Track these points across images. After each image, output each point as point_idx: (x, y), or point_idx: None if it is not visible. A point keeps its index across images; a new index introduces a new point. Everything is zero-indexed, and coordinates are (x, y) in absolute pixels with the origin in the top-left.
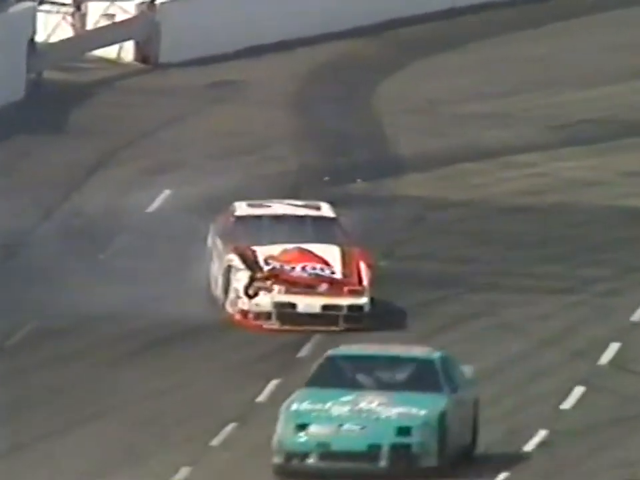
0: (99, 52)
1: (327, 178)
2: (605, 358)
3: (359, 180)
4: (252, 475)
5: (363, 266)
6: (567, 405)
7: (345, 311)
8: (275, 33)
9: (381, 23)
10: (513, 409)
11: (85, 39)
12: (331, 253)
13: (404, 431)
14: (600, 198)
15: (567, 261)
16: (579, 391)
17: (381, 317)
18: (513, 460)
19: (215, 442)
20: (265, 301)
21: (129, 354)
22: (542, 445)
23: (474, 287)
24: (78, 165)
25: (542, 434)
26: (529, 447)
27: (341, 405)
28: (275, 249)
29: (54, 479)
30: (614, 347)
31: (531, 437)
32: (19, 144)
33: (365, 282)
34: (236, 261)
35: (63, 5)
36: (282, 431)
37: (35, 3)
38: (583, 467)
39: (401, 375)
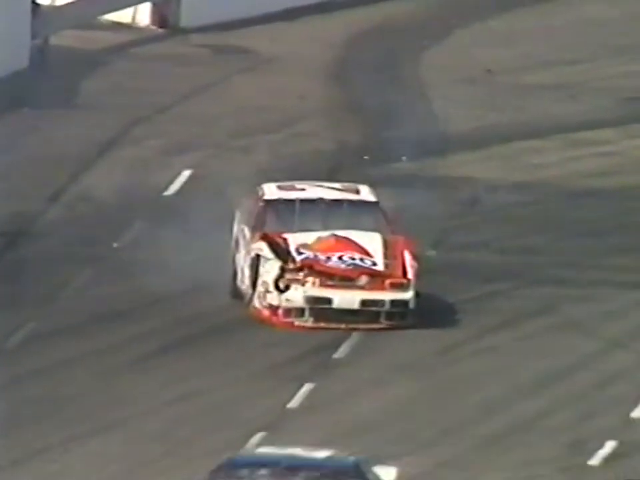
0: (112, 15)
1: (366, 157)
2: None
3: (404, 158)
4: None
5: (407, 256)
6: (638, 413)
7: (387, 307)
8: None
9: None
10: (578, 418)
11: (96, 1)
12: (372, 241)
13: None
14: None
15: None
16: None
17: (427, 314)
18: (576, 477)
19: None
20: (297, 295)
21: (143, 357)
22: (610, 458)
23: (534, 280)
24: (88, 142)
25: (610, 445)
26: (595, 460)
27: None
28: (309, 237)
29: None
30: None
31: (597, 449)
32: (22, 118)
33: (410, 274)
34: (265, 249)
35: None
36: None
37: None
38: None
39: None
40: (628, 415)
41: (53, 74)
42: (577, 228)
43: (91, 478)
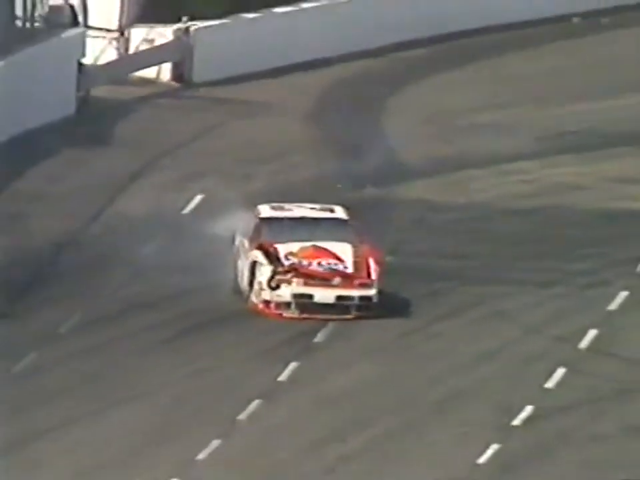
0: (140, 72)
1: (339, 185)
2: (584, 343)
3: (368, 185)
4: (276, 446)
5: (371, 262)
6: (550, 384)
7: (356, 301)
8: (294, 55)
9: (389, 45)
10: (504, 388)
11: (128, 61)
12: (343, 250)
13: None
14: (584, 201)
15: (555, 256)
16: (561, 372)
17: (387, 307)
18: (502, 434)
19: (242, 417)
20: (285, 292)
21: (165, 340)
22: (529, 419)
23: (470, 280)
24: (122, 172)
25: (529, 409)
26: (517, 421)
27: None
28: (294, 246)
29: (94, 457)
30: (592, 333)
31: (519, 413)
32: (69, 154)
33: (374, 276)
34: (260, 257)
35: (109, 30)
36: None
37: (85, 29)
38: (567, 438)
39: None
40: (543, 385)
41: (94, 119)
42: (504, 239)
43: (118, 442)
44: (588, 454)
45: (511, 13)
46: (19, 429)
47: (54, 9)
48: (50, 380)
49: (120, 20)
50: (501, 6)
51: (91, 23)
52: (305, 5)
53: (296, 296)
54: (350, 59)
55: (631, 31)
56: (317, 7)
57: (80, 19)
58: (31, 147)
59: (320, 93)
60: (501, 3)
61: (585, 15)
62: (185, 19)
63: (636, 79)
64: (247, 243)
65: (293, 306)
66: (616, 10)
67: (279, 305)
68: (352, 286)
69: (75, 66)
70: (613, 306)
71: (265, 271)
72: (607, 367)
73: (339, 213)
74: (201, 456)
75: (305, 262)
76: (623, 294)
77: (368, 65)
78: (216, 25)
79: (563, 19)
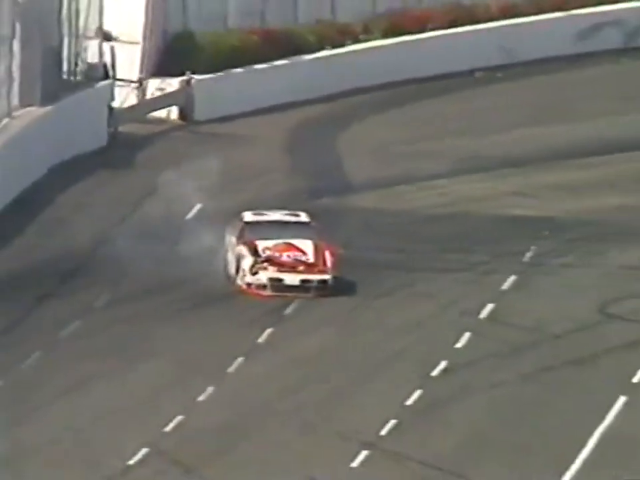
0: (155, 113)
1: (305, 195)
2: (484, 314)
3: (324, 199)
4: (256, 391)
5: (327, 254)
6: (459, 344)
7: (315, 284)
8: (271, 100)
9: (341, 92)
10: (425, 348)
11: (146, 105)
12: (306, 245)
13: None
14: (485, 209)
15: (463, 251)
16: (467, 335)
17: (339, 288)
18: (424, 381)
19: (231, 370)
20: (262, 277)
21: (172, 313)
22: (444, 371)
23: (404, 268)
24: (142, 187)
25: (443, 364)
26: (435, 372)
27: None
28: (269, 243)
29: (122, 398)
30: (490, 307)
31: (436, 365)
32: (102, 174)
33: (329, 265)
34: (244, 251)
35: (131, 82)
36: None
37: (113, 81)
38: (474, 385)
39: None
40: (453, 346)
41: (121, 149)
42: (427, 238)
43: (139, 387)
44: (489, 396)
45: (429, 68)
46: (68, 377)
47: (91, 65)
48: (88, 341)
49: (139, 74)
50: (420, 63)
51: (118, 76)
52: (277, 63)
53: (270, 280)
54: (313, 103)
55: (520, 83)
56: (287, 64)
57: (110, 73)
58: (74, 169)
59: (291, 129)
60: (420, 60)
61: (485, 70)
62: (188, 73)
63: (524, 118)
64: (234, 240)
65: (268, 287)
66: (507, 67)
67: (258, 286)
68: (313, 272)
69: (106, 109)
70: (505, 286)
71: (247, 261)
72: (502, 332)
73: (303, 217)
74: (200, 398)
75: (277, 254)
76: (512, 277)
77: (326, 108)
78: (211, 78)
79: (467, 73)
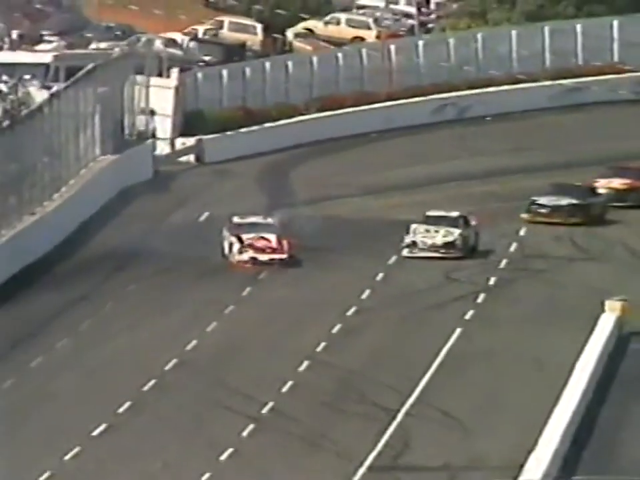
0: (180, 159)
1: (269, 207)
2: (378, 278)
3: (283, 210)
4: (243, 324)
5: (285, 243)
6: (364, 296)
7: (277, 261)
8: (250, 150)
9: (292, 146)
10: (341, 299)
11: (175, 154)
12: (272, 237)
13: None
14: (381, 215)
15: (367, 239)
16: (367, 291)
17: (292, 264)
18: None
19: (227, 311)
20: (245, 256)
21: (187, 281)
22: (356, 312)
23: (331, 251)
24: (172, 204)
25: (354, 308)
26: (349, 313)
27: None
28: (250, 235)
29: (146, 341)
30: (381, 275)
31: (348, 309)
32: (148, 196)
33: (286, 249)
34: (234, 239)
35: (165, 139)
36: None
37: (155, 139)
38: (374, 320)
39: None
40: (360, 296)
41: (161, 180)
42: (344, 232)
43: (156, 334)
44: (384, 326)
45: (344, 131)
46: (132, 316)
47: (140, 130)
48: (139, 296)
49: (171, 135)
50: (338, 128)
51: (158, 136)
52: (253, 128)
53: (250, 258)
54: (274, 153)
55: (396, 140)
56: (259, 129)
57: (153, 134)
58: (132, 192)
59: (261, 168)
60: (338, 126)
61: (378, 132)
62: (199, 135)
63: (401, 161)
64: (227, 234)
65: (249, 263)
66: (391, 130)
67: (243, 262)
68: (275, 254)
69: (152, 156)
70: (390, 262)
71: (236, 247)
72: (389, 290)
73: (271, 220)
74: (209, 329)
75: (254, 242)
76: (394, 257)
77: (283, 156)
78: (213, 137)
79: (364, 135)
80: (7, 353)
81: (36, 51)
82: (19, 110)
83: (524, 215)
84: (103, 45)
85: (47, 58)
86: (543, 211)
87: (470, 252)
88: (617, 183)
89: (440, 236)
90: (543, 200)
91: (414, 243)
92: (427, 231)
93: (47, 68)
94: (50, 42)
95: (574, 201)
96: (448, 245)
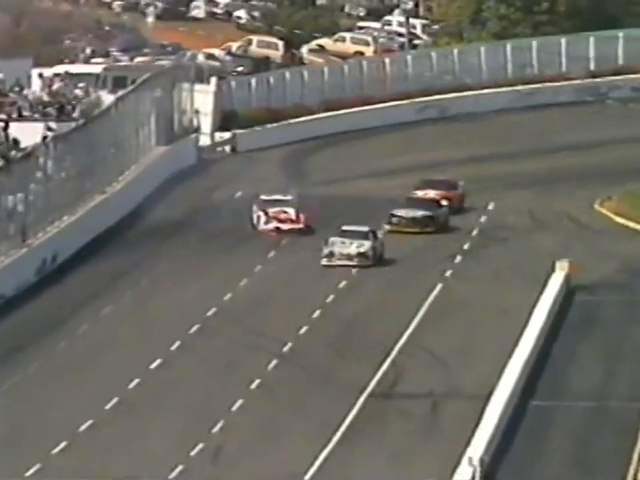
0: (219, 148)
1: (290, 187)
2: (379, 234)
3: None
4: (269, 279)
5: (302, 215)
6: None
7: (296, 230)
8: (274, 142)
9: (307, 138)
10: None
11: (214, 145)
12: (292, 210)
13: None
14: (374, 193)
15: (364, 210)
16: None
17: (308, 233)
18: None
19: (255, 270)
20: (270, 226)
21: (224, 247)
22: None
23: (336, 218)
24: (213, 185)
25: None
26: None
27: None
28: (274, 209)
29: (181, 298)
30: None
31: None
32: (191, 183)
33: (302, 220)
34: (261, 213)
35: (206, 133)
36: None
37: (199, 133)
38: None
39: None
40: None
41: (204, 166)
42: (347, 205)
43: (194, 293)
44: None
45: (347, 127)
46: (184, 273)
47: (186, 126)
48: (188, 261)
49: (211, 129)
50: (342, 125)
51: (201, 130)
52: (275, 125)
53: (275, 228)
54: (294, 144)
55: (386, 136)
56: (280, 125)
57: (197, 129)
58: (180, 176)
59: (283, 156)
60: (342, 124)
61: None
62: (233, 130)
63: (390, 153)
64: (256, 208)
65: (273, 232)
66: (385, 126)
67: (269, 232)
68: (294, 224)
69: (196, 146)
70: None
71: (263, 219)
72: (384, 261)
73: (289, 197)
74: (242, 284)
75: (277, 215)
76: (386, 227)
77: (300, 146)
78: (245, 131)
79: (363, 130)
80: (83, 305)
81: (91, 64)
82: (91, 112)
83: (386, 226)
84: (139, 59)
85: (97, 69)
86: (402, 222)
87: (378, 260)
88: (433, 194)
89: (353, 247)
90: (400, 212)
91: (331, 253)
92: (343, 242)
93: (97, 77)
94: (116, 58)
95: (427, 213)
96: (360, 255)
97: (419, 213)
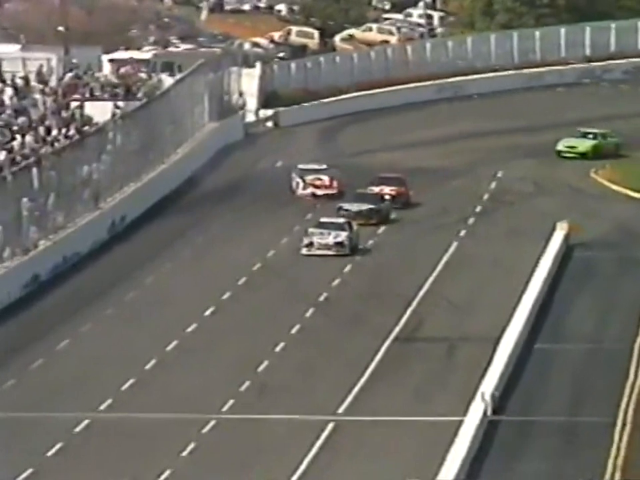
0: (263, 124)
1: (327, 157)
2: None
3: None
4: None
5: (335, 182)
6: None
7: (330, 195)
8: (311, 118)
9: (341, 115)
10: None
11: (259, 121)
12: (326, 178)
13: None
14: (402, 164)
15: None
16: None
17: (339, 197)
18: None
19: (294, 230)
20: (307, 191)
21: (265, 209)
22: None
23: (368, 182)
24: (256, 156)
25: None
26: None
27: None
28: (310, 177)
29: (216, 266)
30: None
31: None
32: (239, 154)
33: (335, 186)
34: (299, 179)
35: (251, 111)
36: None
37: (245, 111)
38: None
39: None
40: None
41: (250, 140)
42: (375, 171)
43: (229, 259)
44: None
45: (380, 104)
46: (215, 242)
47: (232, 105)
48: (228, 224)
49: (256, 108)
50: (372, 103)
51: (248, 108)
52: (314, 103)
53: (311, 193)
54: (327, 120)
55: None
56: (317, 103)
57: (244, 107)
58: (230, 148)
59: (320, 130)
60: (372, 102)
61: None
62: (276, 109)
63: (412, 128)
64: (295, 176)
65: (310, 196)
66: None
67: (306, 196)
68: (328, 189)
69: (243, 122)
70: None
71: (301, 185)
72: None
73: (324, 166)
74: (283, 241)
75: (313, 182)
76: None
77: (333, 123)
78: (286, 109)
79: (388, 108)
80: (149, 259)
81: (144, 51)
82: (153, 93)
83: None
84: (184, 46)
85: (148, 55)
86: (349, 214)
87: (354, 250)
88: (387, 189)
89: (331, 237)
90: (347, 206)
91: (311, 243)
92: (321, 233)
93: (148, 62)
94: (175, 45)
95: (372, 206)
96: (337, 245)
97: (364, 207)
